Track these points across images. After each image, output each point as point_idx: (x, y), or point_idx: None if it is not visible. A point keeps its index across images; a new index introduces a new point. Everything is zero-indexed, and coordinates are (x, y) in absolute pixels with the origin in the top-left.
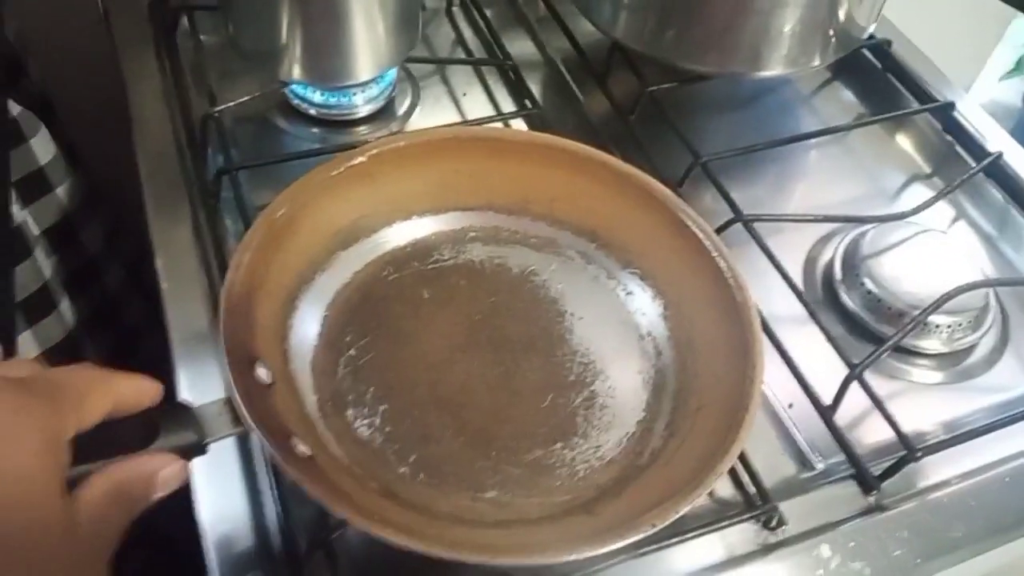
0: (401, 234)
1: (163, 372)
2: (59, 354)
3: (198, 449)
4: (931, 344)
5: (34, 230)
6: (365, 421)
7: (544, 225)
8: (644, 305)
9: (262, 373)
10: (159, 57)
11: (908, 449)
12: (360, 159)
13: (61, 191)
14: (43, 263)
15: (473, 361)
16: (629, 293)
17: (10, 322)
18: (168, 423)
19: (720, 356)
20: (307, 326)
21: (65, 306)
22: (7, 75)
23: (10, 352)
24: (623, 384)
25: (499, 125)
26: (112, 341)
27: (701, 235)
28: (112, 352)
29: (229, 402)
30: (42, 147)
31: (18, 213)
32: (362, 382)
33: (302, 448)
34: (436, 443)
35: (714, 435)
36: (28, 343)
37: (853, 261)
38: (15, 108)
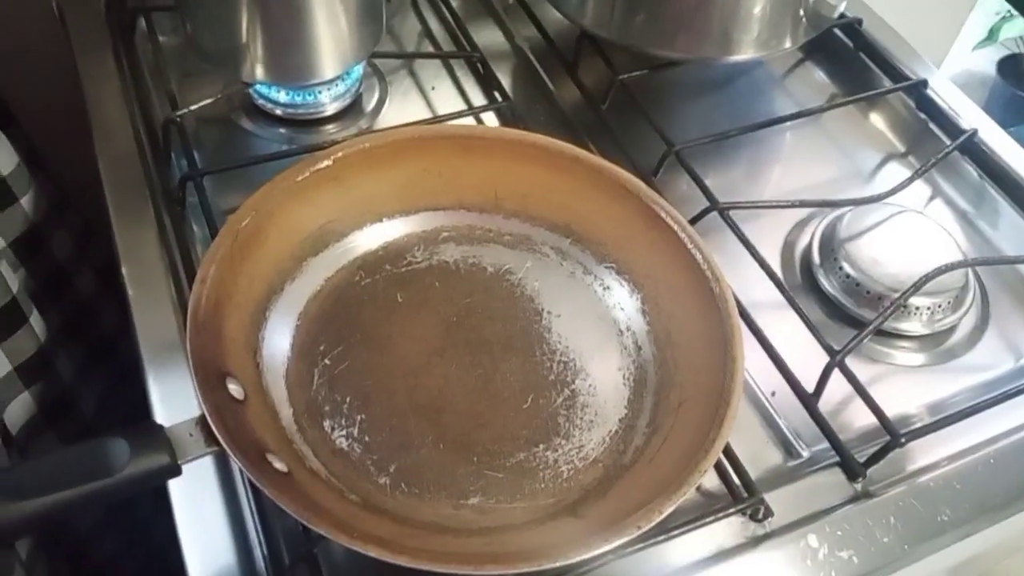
0: (372, 237)
1: (139, 378)
2: (31, 369)
3: (172, 470)
4: (912, 326)
5: None
6: (343, 432)
7: (517, 222)
8: (622, 300)
9: (234, 389)
10: (117, 59)
11: (892, 435)
12: (325, 163)
13: (26, 200)
14: (10, 276)
15: (451, 365)
16: (606, 288)
17: None
18: (140, 445)
19: (699, 350)
20: (279, 337)
21: (35, 318)
22: None
23: None
24: (604, 382)
25: (470, 120)
26: (87, 348)
27: (676, 227)
28: (87, 359)
29: (202, 420)
30: (3, 158)
31: None
32: (338, 392)
33: (278, 464)
34: (416, 451)
35: (696, 431)
36: None
37: (831, 245)
38: None
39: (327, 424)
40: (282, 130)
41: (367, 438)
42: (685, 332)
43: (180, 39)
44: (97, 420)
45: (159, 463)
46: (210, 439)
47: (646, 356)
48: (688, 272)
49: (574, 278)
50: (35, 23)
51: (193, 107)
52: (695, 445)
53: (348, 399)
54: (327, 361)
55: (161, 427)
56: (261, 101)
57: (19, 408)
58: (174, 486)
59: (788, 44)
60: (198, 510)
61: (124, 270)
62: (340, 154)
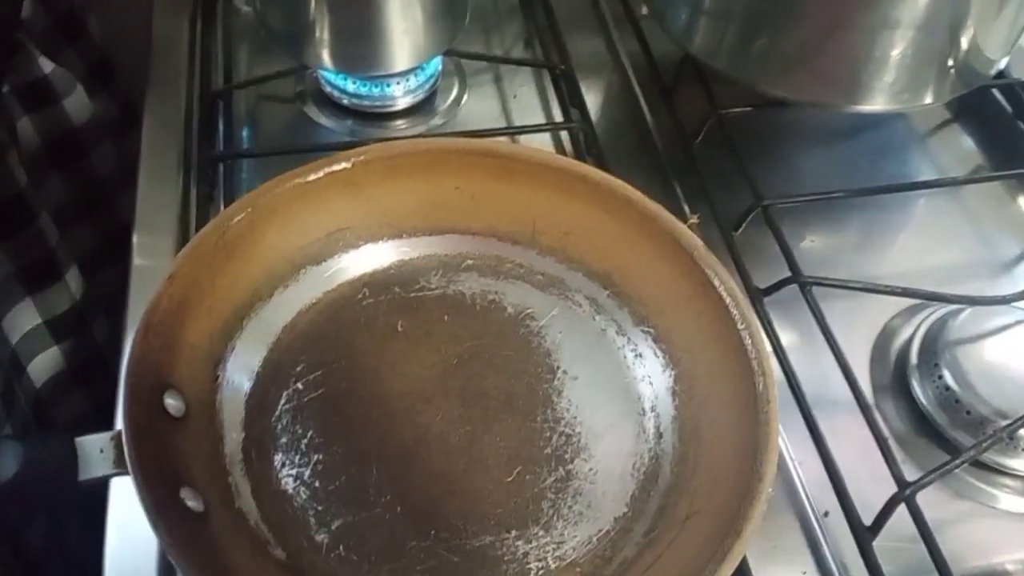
0: (386, 254)
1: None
2: (63, 325)
3: (69, 486)
4: (1017, 464)
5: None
6: (292, 471)
7: (553, 261)
8: (653, 373)
9: (172, 404)
10: (192, 25)
11: None
12: (343, 164)
13: (96, 156)
14: (50, 234)
15: (436, 414)
16: (638, 355)
17: None
18: (36, 453)
19: (726, 454)
20: (252, 349)
21: (72, 275)
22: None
23: None
24: (608, 467)
25: (546, 136)
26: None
27: (728, 300)
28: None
29: (118, 437)
30: (81, 111)
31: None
32: (300, 423)
33: (192, 503)
34: (368, 510)
35: (695, 559)
36: (27, 310)
37: (934, 346)
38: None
39: (278, 459)
40: (348, 121)
41: (317, 483)
42: (715, 428)
43: None
44: None
45: (52, 476)
46: (120, 459)
47: (665, 447)
48: (733, 356)
49: (604, 337)
50: None
51: (248, 82)
52: None
53: (310, 434)
54: (299, 385)
55: (71, 437)
56: (328, 89)
57: (46, 362)
58: (113, 504)
59: (929, 99)
60: (131, 533)
61: (135, 238)
62: (361, 158)
